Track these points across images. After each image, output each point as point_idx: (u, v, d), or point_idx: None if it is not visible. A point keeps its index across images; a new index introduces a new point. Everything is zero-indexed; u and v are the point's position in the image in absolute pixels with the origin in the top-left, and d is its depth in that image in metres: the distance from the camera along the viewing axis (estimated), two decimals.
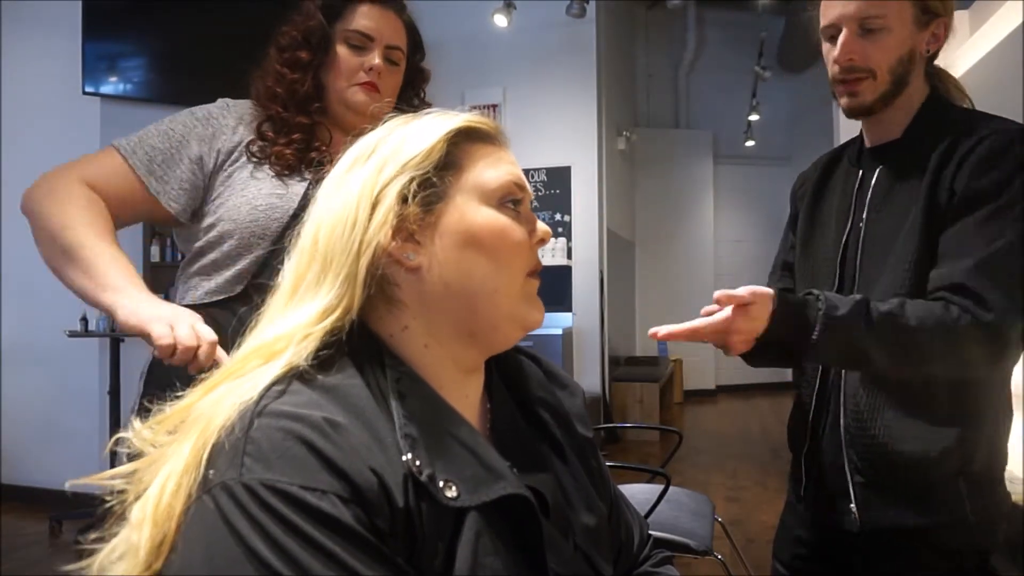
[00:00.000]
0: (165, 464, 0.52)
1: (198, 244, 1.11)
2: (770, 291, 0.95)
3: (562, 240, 5.00)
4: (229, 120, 1.12)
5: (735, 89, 7.37)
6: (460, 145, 0.64)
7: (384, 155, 0.62)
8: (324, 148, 1.15)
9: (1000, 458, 1.04)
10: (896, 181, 1.06)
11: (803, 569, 1.18)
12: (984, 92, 2.93)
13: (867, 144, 1.14)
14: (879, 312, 0.94)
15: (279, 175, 1.10)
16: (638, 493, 2.24)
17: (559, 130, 5.04)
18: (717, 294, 0.95)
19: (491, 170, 0.64)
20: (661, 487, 1.97)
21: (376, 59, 1.14)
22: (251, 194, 1.08)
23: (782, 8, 5.83)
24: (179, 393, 0.58)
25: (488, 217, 0.63)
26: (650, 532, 0.83)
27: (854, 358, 0.98)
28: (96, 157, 1.09)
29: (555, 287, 4.90)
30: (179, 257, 1.28)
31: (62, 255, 0.99)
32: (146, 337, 0.90)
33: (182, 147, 1.09)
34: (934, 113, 1.06)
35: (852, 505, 1.03)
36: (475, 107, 4.77)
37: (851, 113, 1.08)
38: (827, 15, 1.06)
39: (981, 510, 0.99)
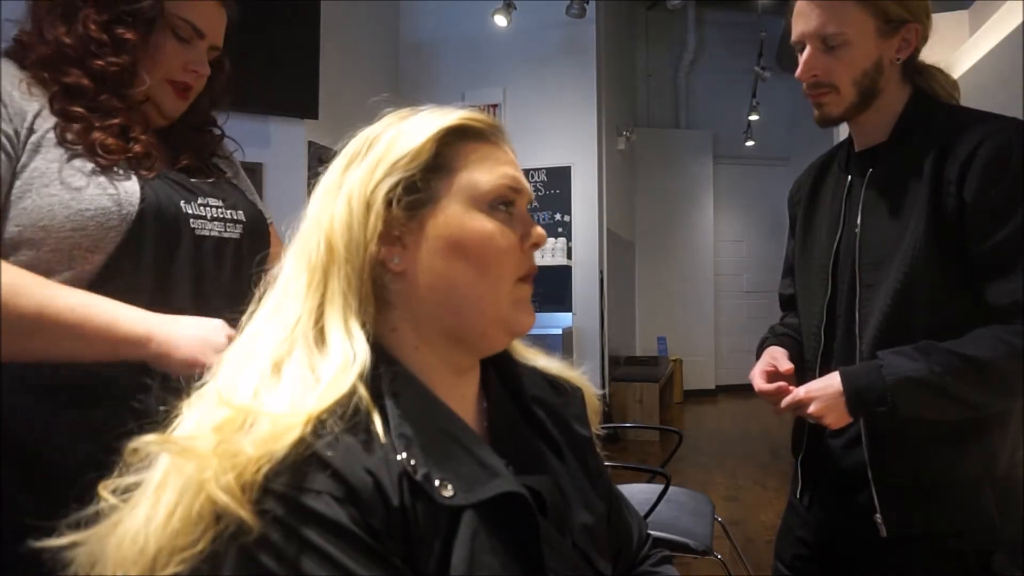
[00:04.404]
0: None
1: None
2: (835, 385, 0.99)
3: (562, 240, 5.00)
4: (8, 88, 0.86)
5: (735, 89, 7.36)
6: (452, 145, 0.63)
7: (377, 154, 0.62)
8: (145, 138, 0.94)
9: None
10: (888, 186, 1.05)
11: (804, 569, 1.18)
12: (984, 92, 2.93)
13: (855, 148, 1.13)
14: (948, 356, 0.93)
15: (104, 169, 0.86)
16: (638, 493, 2.24)
17: (559, 130, 5.04)
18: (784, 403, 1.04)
19: (482, 173, 0.63)
20: (661, 487, 1.97)
21: (203, 61, 0.99)
22: (67, 194, 0.83)
23: (782, 8, 5.84)
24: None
25: (475, 223, 0.62)
26: (649, 532, 0.83)
27: (942, 410, 0.97)
28: None
29: (555, 287, 4.90)
30: None
31: (31, 333, 0.77)
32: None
33: None
34: (918, 115, 1.06)
35: (877, 515, 1.02)
36: (475, 107, 4.77)
37: (821, 124, 1.10)
38: (793, 32, 1.07)
39: (1007, 512, 0.99)
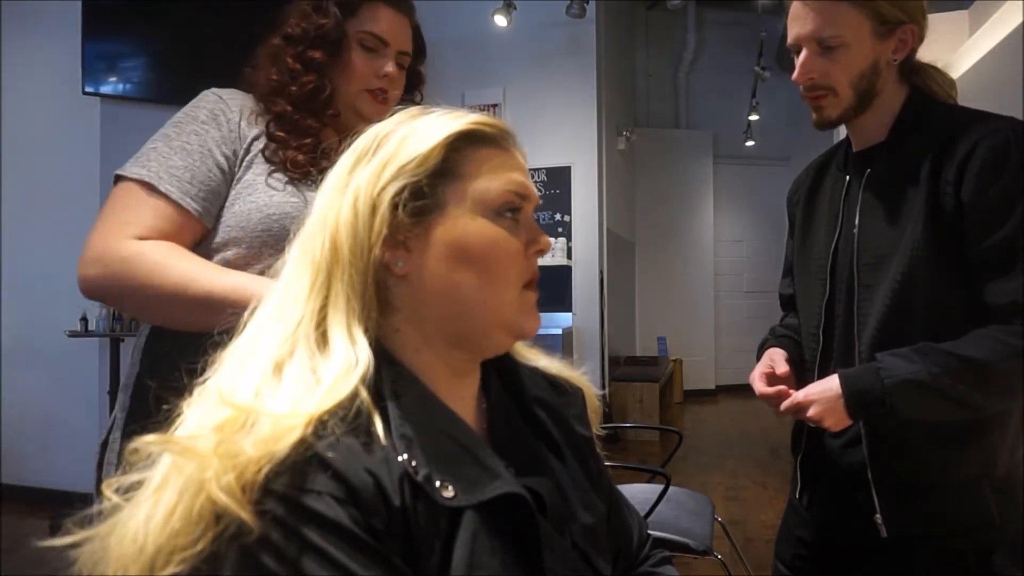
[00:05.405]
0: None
1: (194, 249, 1.01)
2: (834, 389, 0.99)
3: (562, 240, 5.00)
4: (233, 116, 1.04)
5: (735, 89, 7.36)
6: (461, 150, 0.63)
7: (385, 155, 0.61)
8: (333, 154, 1.10)
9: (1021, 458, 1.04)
10: (885, 186, 1.05)
11: (804, 569, 1.18)
12: (984, 92, 2.93)
13: (853, 149, 1.13)
14: (949, 358, 0.93)
15: (293, 181, 1.03)
16: (638, 493, 2.24)
17: (559, 130, 5.04)
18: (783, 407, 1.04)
19: (490, 180, 0.63)
20: (661, 487, 1.97)
21: (390, 66, 1.10)
22: (262, 200, 1.01)
23: (782, 8, 5.83)
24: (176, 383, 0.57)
25: (480, 229, 0.62)
26: (649, 532, 0.83)
27: (941, 411, 0.97)
28: (129, 205, 0.96)
29: (555, 287, 4.90)
30: None
31: (204, 312, 0.90)
32: None
33: (206, 158, 1.00)
34: (916, 115, 1.05)
35: (877, 515, 1.02)
36: (475, 107, 4.77)
37: (819, 126, 1.09)
38: (789, 35, 1.06)
39: (1007, 511, 0.99)
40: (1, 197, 3.92)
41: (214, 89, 1.09)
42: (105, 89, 3.84)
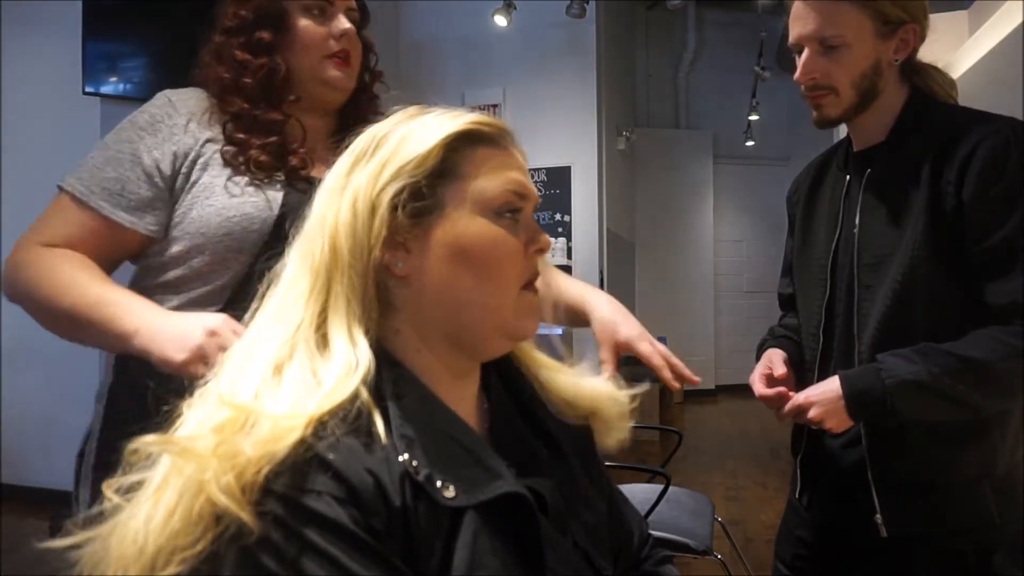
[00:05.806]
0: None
1: (157, 259, 0.98)
2: (835, 390, 0.99)
3: (562, 240, 4.99)
4: (178, 119, 1.00)
5: (735, 89, 7.35)
6: (460, 151, 0.62)
7: (384, 156, 0.61)
8: (301, 149, 1.03)
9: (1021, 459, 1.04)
10: (886, 186, 1.05)
11: (804, 569, 1.18)
12: (984, 92, 2.93)
13: (853, 148, 1.13)
14: (949, 358, 0.93)
15: (254, 182, 0.98)
16: (638, 493, 2.24)
17: (559, 130, 5.03)
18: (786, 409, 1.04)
19: (489, 180, 0.63)
20: (661, 487, 1.97)
21: (343, 22, 1.03)
22: (220, 203, 0.96)
23: (782, 8, 5.83)
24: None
25: (480, 229, 0.61)
26: (650, 532, 0.83)
27: (941, 411, 0.97)
28: (50, 214, 0.96)
29: None
30: None
31: (70, 326, 0.91)
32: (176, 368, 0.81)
33: (135, 165, 0.96)
34: (916, 115, 1.05)
35: (877, 515, 1.02)
36: (475, 107, 4.76)
37: (820, 125, 1.10)
38: (791, 35, 1.06)
39: (1007, 511, 0.99)
40: (1, 197, 3.93)
41: (167, 91, 1.05)
42: (105, 89, 3.83)
